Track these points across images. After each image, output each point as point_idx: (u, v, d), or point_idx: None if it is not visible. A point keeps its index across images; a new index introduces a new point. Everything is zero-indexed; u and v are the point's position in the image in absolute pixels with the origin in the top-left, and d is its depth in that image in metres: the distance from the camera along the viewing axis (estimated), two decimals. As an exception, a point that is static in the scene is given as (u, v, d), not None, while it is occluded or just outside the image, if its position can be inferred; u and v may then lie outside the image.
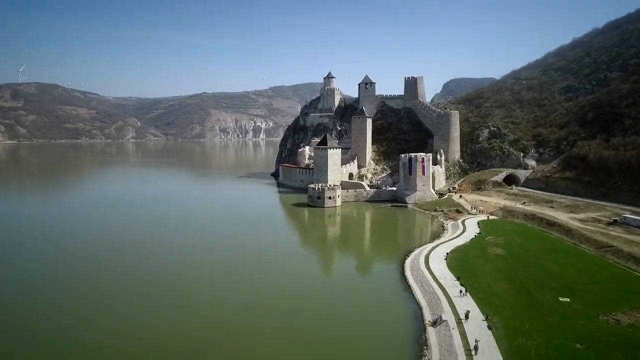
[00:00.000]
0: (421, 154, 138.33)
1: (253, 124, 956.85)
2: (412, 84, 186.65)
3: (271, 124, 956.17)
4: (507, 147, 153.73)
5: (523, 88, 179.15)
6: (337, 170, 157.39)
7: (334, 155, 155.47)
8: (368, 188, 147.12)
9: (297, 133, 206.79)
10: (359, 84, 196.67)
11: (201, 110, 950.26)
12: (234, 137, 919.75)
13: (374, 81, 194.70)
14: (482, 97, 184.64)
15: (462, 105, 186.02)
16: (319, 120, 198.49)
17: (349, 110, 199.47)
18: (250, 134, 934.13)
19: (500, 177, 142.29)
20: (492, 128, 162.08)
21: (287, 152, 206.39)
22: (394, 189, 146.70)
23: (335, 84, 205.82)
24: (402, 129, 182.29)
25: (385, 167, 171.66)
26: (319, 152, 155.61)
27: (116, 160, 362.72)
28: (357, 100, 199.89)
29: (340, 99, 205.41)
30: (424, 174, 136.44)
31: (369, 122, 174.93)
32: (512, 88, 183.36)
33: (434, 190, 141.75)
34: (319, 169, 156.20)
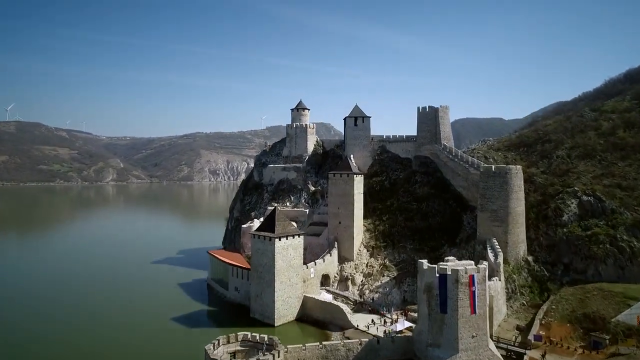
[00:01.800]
0: (466, 265, 62.78)
1: (246, 165, 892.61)
2: (430, 119, 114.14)
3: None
4: (626, 237, 78.65)
5: (617, 125, 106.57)
6: (295, 276, 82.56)
7: (289, 249, 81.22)
8: (347, 339, 71.37)
9: (248, 194, 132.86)
10: (345, 119, 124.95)
11: (191, 151, 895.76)
12: (225, 180, 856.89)
13: (368, 115, 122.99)
14: (548, 139, 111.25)
15: (512, 152, 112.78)
16: (282, 175, 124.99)
17: (330, 159, 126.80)
18: (243, 175, 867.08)
19: (635, 312, 66.16)
20: (585, 197, 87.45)
21: (235, 224, 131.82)
22: (409, 326, 71.18)
23: (308, 118, 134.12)
24: (416, 192, 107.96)
25: (387, 262, 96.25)
26: (259, 243, 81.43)
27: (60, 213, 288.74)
28: (341, 144, 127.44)
29: (317, 141, 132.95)
30: (474, 311, 60.68)
31: (359, 181, 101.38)
32: (595, 125, 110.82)
33: (492, 336, 65.73)
34: (259, 276, 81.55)
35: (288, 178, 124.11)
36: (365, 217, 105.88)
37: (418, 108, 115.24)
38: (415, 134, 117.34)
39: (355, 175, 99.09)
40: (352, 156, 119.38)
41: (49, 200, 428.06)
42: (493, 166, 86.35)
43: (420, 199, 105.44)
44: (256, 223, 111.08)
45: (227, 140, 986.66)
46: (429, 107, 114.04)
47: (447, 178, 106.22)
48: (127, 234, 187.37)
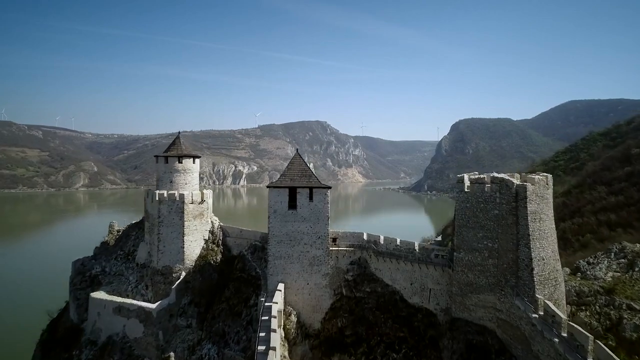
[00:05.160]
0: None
1: (233, 168, 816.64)
2: (490, 217, 38.93)
3: (255, 167, 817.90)
4: None
5: None
6: None
7: None
8: None
9: (50, 355, 57.42)
10: (269, 189, 49.66)
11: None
12: (209, 184, 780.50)
13: (327, 186, 48.34)
14: None
15: None
16: (116, 326, 50.00)
17: (234, 281, 52.03)
18: (230, 179, 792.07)
19: None
20: None
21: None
22: None
23: (196, 178, 59.23)
24: None
25: None
26: None
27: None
28: (258, 247, 52.34)
29: (214, 231, 57.94)
30: None
31: None
32: None
33: None
34: None
35: (127, 336, 49.59)
36: None
37: (460, 181, 40.05)
38: (449, 255, 42.27)
39: None
40: (281, 289, 45.09)
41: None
42: None
43: None
44: None
45: (216, 140, 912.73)
46: (491, 180, 38.45)
47: None
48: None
